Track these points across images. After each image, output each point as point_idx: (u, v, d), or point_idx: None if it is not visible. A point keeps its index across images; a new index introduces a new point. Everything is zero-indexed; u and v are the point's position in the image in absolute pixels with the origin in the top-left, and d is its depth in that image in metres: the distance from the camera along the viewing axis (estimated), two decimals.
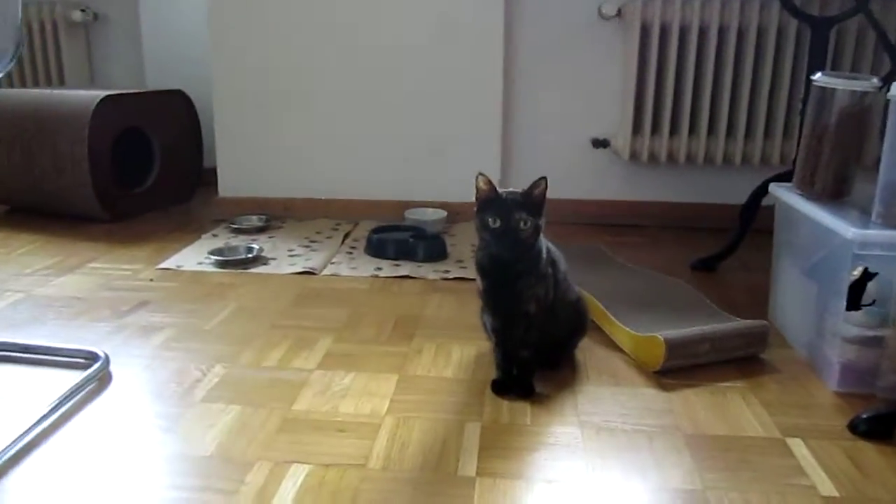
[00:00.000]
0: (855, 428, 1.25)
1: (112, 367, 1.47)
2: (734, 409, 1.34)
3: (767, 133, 2.46)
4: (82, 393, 1.36)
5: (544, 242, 1.37)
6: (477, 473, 1.12)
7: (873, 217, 1.39)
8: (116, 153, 2.61)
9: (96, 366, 1.42)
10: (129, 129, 2.67)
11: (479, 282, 1.38)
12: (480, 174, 1.30)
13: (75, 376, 1.39)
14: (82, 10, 3.12)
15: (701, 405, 1.35)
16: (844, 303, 1.35)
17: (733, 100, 2.45)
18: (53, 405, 1.29)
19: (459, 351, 1.57)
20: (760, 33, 2.38)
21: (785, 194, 1.64)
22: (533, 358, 1.39)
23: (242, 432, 1.24)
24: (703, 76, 2.44)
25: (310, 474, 1.11)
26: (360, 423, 1.27)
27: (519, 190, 1.33)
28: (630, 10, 2.43)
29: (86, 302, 1.84)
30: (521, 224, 1.28)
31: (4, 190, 2.73)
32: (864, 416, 1.25)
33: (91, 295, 1.89)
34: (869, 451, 1.19)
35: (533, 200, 1.31)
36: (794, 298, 1.65)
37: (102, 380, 1.42)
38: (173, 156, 2.86)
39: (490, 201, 1.30)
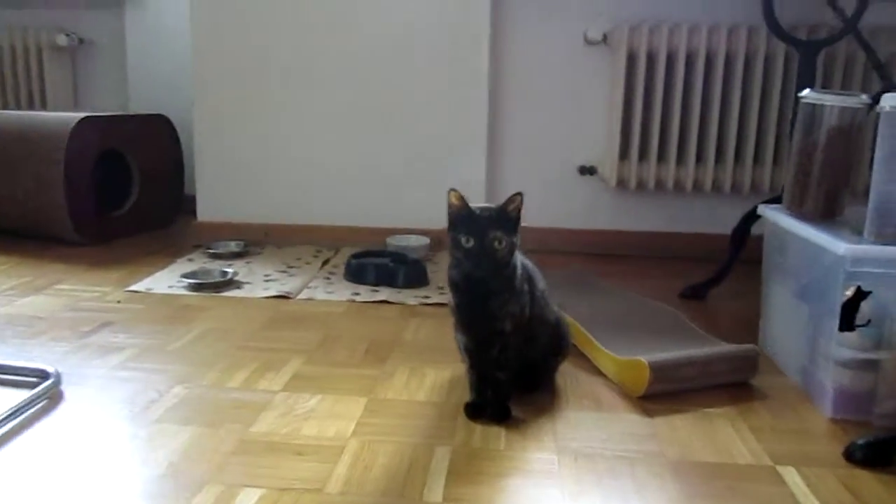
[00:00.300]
0: (851, 455, 1.17)
1: (65, 387, 1.39)
2: (722, 435, 1.26)
3: (757, 160, 2.42)
4: (30, 411, 1.29)
5: (519, 258, 1.31)
6: (444, 499, 1.04)
7: (865, 234, 1.33)
8: (96, 176, 2.55)
9: (46, 384, 1.34)
10: (108, 152, 2.61)
11: (451, 298, 1.31)
12: (452, 189, 1.24)
13: (24, 395, 1.30)
14: (67, 35, 3.10)
15: (687, 431, 1.27)
16: (837, 324, 1.28)
17: (722, 126, 2.41)
18: (2, 418, 1.21)
19: (434, 374, 1.49)
20: (748, 59, 2.36)
21: (774, 214, 1.59)
22: (509, 380, 1.31)
23: (195, 454, 1.15)
24: (691, 103, 2.40)
25: (262, 498, 1.03)
26: (321, 446, 1.19)
27: (493, 205, 1.26)
28: (616, 37, 2.40)
29: (47, 322, 1.76)
30: (496, 243, 1.22)
31: None
32: (861, 442, 1.17)
33: (53, 315, 1.81)
34: (866, 479, 1.11)
35: (508, 217, 1.24)
36: (785, 323, 1.58)
37: (53, 398, 1.34)
38: (154, 180, 2.80)
39: (463, 218, 1.24)
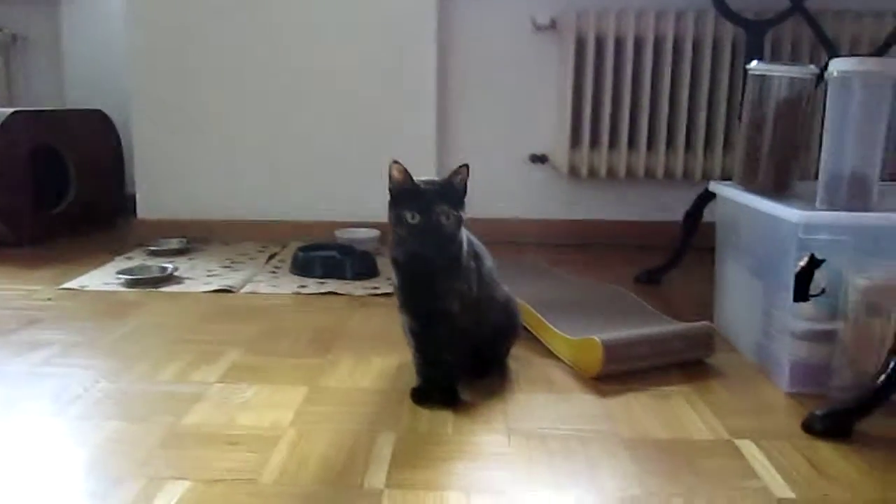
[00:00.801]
0: (810, 427, 1.13)
1: None
2: (678, 412, 1.21)
3: (708, 146, 2.41)
4: None
5: (465, 234, 1.25)
6: (386, 485, 0.97)
7: (818, 203, 1.30)
8: (30, 174, 2.43)
9: None
10: (42, 149, 2.49)
11: (394, 278, 1.25)
12: (394, 161, 1.17)
13: None
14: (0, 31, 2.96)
15: (642, 409, 1.22)
16: (791, 295, 1.25)
17: (672, 112, 2.39)
18: None
19: (381, 362, 1.42)
20: (696, 44, 2.34)
21: (726, 190, 1.56)
22: (457, 363, 1.25)
23: (118, 448, 1.07)
24: (642, 88, 2.38)
25: (189, 490, 0.95)
26: (256, 435, 1.11)
27: (437, 179, 1.21)
28: (564, 22, 2.37)
29: None
30: (444, 218, 1.16)
31: None
32: (820, 413, 1.13)
33: None
34: (826, 449, 1.08)
35: (454, 190, 1.19)
36: (739, 301, 1.54)
37: None
38: (92, 178, 2.68)
39: (407, 193, 1.17)
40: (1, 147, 2.31)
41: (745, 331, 1.48)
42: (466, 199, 1.20)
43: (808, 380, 1.27)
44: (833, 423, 1.12)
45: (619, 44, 2.36)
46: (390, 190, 1.19)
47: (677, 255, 2.02)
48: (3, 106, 2.91)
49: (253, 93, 2.51)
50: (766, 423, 1.18)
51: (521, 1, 2.45)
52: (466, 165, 1.19)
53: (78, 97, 2.95)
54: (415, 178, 1.18)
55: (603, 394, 1.28)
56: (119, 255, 2.29)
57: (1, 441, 1.09)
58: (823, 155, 1.31)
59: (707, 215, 1.94)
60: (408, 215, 1.16)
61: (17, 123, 2.37)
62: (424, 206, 1.15)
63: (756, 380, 1.36)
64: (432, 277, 1.20)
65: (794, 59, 2.27)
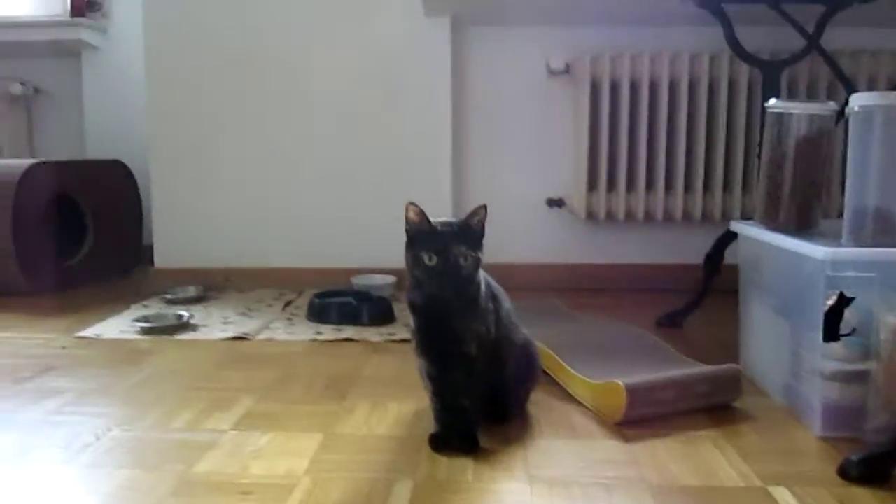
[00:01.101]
0: (846, 472, 1.08)
1: None
2: (707, 458, 1.17)
3: (726, 187, 2.38)
4: None
5: (483, 276, 1.22)
6: None
7: (843, 240, 1.27)
8: (49, 224, 2.44)
9: None
10: (61, 199, 2.51)
11: (411, 321, 1.22)
12: (411, 203, 1.16)
13: None
14: (22, 84, 3.02)
15: (669, 455, 1.18)
16: (821, 335, 1.21)
17: (689, 154, 2.37)
18: None
19: (397, 408, 1.39)
20: (712, 86, 2.34)
21: (748, 229, 1.53)
22: (476, 407, 1.21)
23: (128, 496, 1.04)
24: (658, 131, 2.36)
25: None
26: (270, 484, 1.08)
27: (454, 219, 1.19)
28: (579, 66, 2.38)
29: None
30: (461, 260, 1.14)
31: None
32: (856, 458, 1.08)
33: None
34: (863, 496, 1.03)
35: (472, 231, 1.17)
36: (765, 342, 1.50)
37: None
38: (110, 227, 2.70)
39: (424, 234, 1.16)
40: (21, 197, 2.33)
41: (773, 372, 1.43)
42: (483, 241, 1.18)
43: (842, 422, 1.22)
44: (870, 468, 1.07)
45: (634, 87, 2.36)
46: (407, 231, 1.18)
47: (699, 298, 1.98)
48: (26, 157, 2.97)
49: (268, 141, 2.53)
50: (800, 468, 1.13)
51: (534, 45, 2.47)
52: (485, 206, 1.18)
53: (98, 148, 3.00)
54: (431, 219, 1.17)
55: (627, 439, 1.24)
56: (136, 303, 2.29)
57: (12, 490, 1.07)
58: (847, 191, 1.29)
59: (728, 257, 1.91)
60: (425, 257, 1.14)
61: (38, 174, 2.40)
62: (442, 247, 1.14)
63: (786, 423, 1.31)
64: (450, 320, 1.18)
65: (812, 99, 2.25)
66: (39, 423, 1.32)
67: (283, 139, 2.52)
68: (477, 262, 1.17)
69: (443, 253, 1.13)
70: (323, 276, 2.47)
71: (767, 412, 1.36)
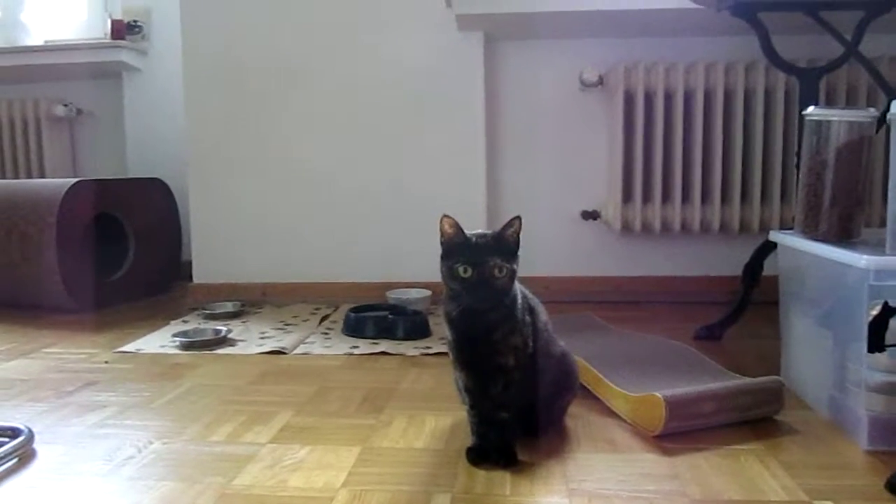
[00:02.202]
0: (894, 487, 1.05)
1: (38, 445, 1.29)
2: (750, 472, 1.14)
3: (764, 197, 2.35)
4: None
5: (519, 288, 1.22)
6: None
7: (888, 249, 1.24)
8: (90, 242, 2.50)
9: (15, 442, 1.25)
10: (103, 217, 2.57)
11: (447, 333, 1.22)
12: (445, 216, 1.17)
13: None
14: (65, 106, 3.11)
15: (711, 469, 1.16)
16: (865, 346, 1.18)
17: (726, 164, 2.35)
18: None
19: (434, 421, 1.39)
20: (748, 95, 2.31)
21: (789, 239, 1.50)
22: (513, 420, 1.21)
23: None
24: (693, 141, 2.35)
25: None
26: (308, 497, 1.08)
27: (489, 231, 1.19)
28: (612, 78, 2.37)
29: (29, 383, 1.67)
30: (496, 272, 1.14)
31: None
32: None
33: (36, 377, 1.72)
34: None
35: (507, 243, 1.17)
36: (808, 354, 1.47)
37: (25, 457, 1.25)
38: (150, 244, 2.75)
39: (458, 246, 1.16)
40: (64, 215, 2.39)
41: (817, 385, 1.40)
42: (519, 253, 1.18)
43: (889, 435, 1.19)
44: None
45: (668, 98, 2.35)
46: (442, 244, 1.18)
47: (738, 310, 1.95)
48: (69, 177, 3.04)
49: (303, 158, 2.56)
50: (846, 482, 1.10)
51: (567, 58, 2.47)
52: (519, 217, 1.17)
53: (139, 167, 3.06)
54: (467, 231, 1.17)
55: (668, 452, 1.22)
56: (174, 319, 2.33)
57: (56, 501, 1.09)
58: (890, 199, 1.26)
59: (767, 268, 1.88)
60: (460, 269, 1.14)
61: (80, 192, 2.46)
62: (477, 259, 1.14)
63: (831, 436, 1.28)
64: (486, 331, 1.17)
65: (851, 106, 2.22)
66: (82, 437, 1.34)
67: (319, 155, 2.55)
68: (512, 274, 1.17)
69: (477, 264, 1.13)
70: (358, 291, 2.49)
71: (811, 425, 1.33)
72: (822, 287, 1.41)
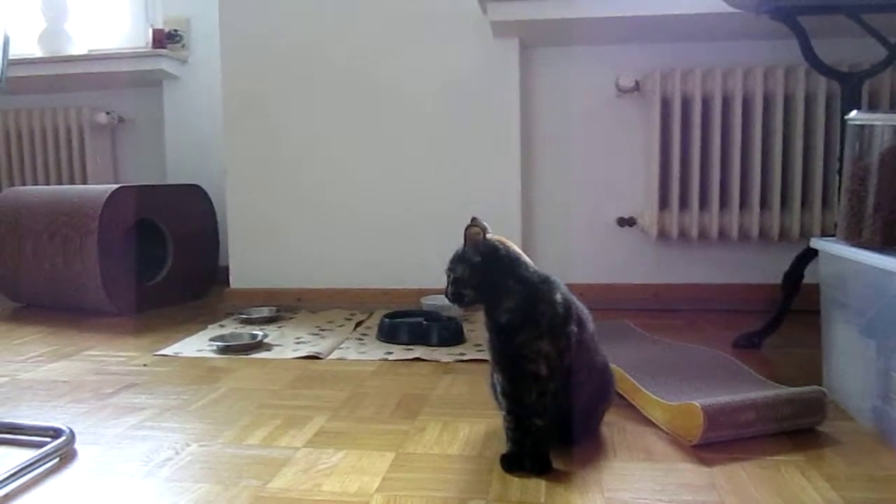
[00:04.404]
0: None
1: (79, 446, 1.32)
2: (792, 484, 1.12)
3: (805, 204, 2.31)
4: (41, 469, 1.22)
5: (566, 297, 1.20)
6: None
7: None
8: (131, 247, 2.55)
9: (57, 442, 1.27)
10: (143, 222, 2.62)
11: (486, 335, 1.23)
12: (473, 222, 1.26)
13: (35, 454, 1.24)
14: (108, 114, 3.17)
15: (750, 480, 1.13)
16: None
17: (765, 170, 2.31)
18: (4, 477, 1.14)
19: (468, 428, 1.38)
20: (788, 100, 2.28)
21: (830, 246, 1.47)
22: (548, 427, 1.20)
23: None
24: (731, 147, 2.31)
25: None
26: (342, 501, 1.08)
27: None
28: (649, 84, 2.35)
29: (70, 385, 1.71)
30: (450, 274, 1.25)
31: (19, 285, 2.67)
32: None
33: (77, 379, 1.76)
34: None
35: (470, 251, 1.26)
36: (850, 363, 1.44)
37: (65, 457, 1.27)
38: (189, 250, 2.79)
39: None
40: (105, 221, 2.44)
41: (860, 395, 1.37)
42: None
43: None
44: None
45: (706, 103, 2.32)
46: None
47: (778, 318, 1.92)
48: (110, 183, 3.10)
49: (339, 165, 2.58)
50: (891, 495, 1.08)
51: (603, 64, 2.45)
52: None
53: (178, 173, 3.11)
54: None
55: (706, 462, 1.20)
56: (212, 323, 2.36)
57: (93, 501, 1.10)
58: None
59: (808, 276, 1.85)
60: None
61: (121, 198, 2.51)
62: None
63: (875, 448, 1.25)
64: (507, 333, 1.17)
65: (895, 111, 2.17)
66: (121, 438, 1.36)
67: (355, 162, 2.57)
68: (456, 282, 1.26)
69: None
70: (392, 297, 2.50)
71: (854, 436, 1.30)
72: (864, 295, 1.37)
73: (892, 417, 1.24)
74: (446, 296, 1.28)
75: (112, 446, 1.32)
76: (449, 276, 1.26)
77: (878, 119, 1.39)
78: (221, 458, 1.26)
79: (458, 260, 1.25)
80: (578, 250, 2.46)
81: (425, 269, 2.51)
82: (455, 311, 2.28)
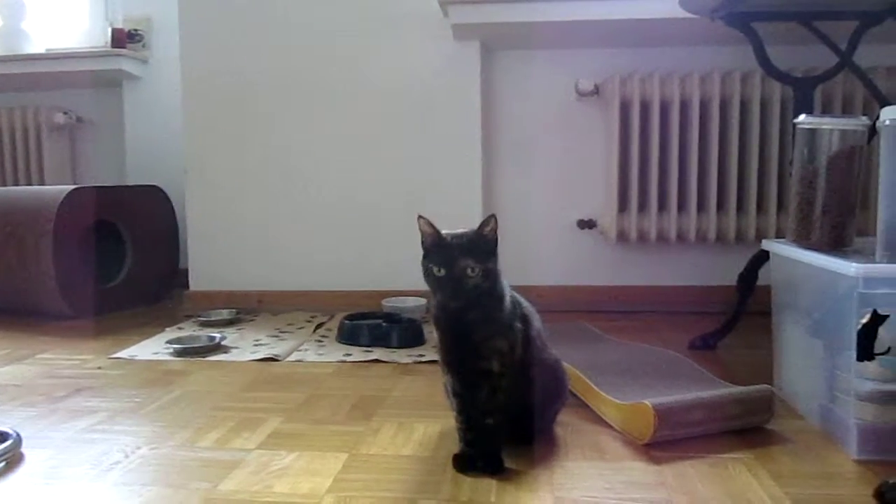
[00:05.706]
0: (882, 496, 1.04)
1: (27, 449, 1.29)
2: (739, 481, 1.14)
3: (760, 207, 2.35)
4: None
5: (509, 292, 1.22)
6: None
7: (877, 257, 1.24)
8: (88, 249, 2.50)
9: (3, 445, 1.25)
10: (101, 224, 2.58)
11: (436, 335, 1.22)
12: (420, 216, 1.17)
13: None
14: (65, 114, 3.12)
15: (699, 478, 1.15)
16: (854, 354, 1.18)
17: (722, 174, 2.35)
18: None
19: (423, 429, 1.38)
20: (744, 105, 2.32)
21: (780, 248, 1.50)
22: (500, 427, 1.20)
23: None
24: (689, 151, 2.35)
25: None
26: (293, 503, 1.08)
27: (467, 231, 1.18)
28: (608, 88, 2.38)
29: (21, 389, 1.68)
30: (468, 271, 1.13)
31: None
32: (893, 482, 1.05)
33: (29, 382, 1.72)
34: None
35: (483, 242, 1.16)
36: (799, 363, 1.47)
37: (12, 461, 1.25)
38: (148, 251, 2.75)
39: (434, 246, 1.16)
40: (61, 222, 2.39)
41: (808, 394, 1.40)
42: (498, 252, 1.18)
43: (878, 445, 1.18)
44: None
45: (664, 107, 2.35)
46: (422, 244, 1.18)
47: (733, 320, 1.95)
48: (68, 184, 3.05)
49: (299, 167, 2.57)
50: (835, 492, 1.10)
51: (563, 67, 2.48)
52: (494, 216, 1.17)
53: (138, 174, 3.07)
54: (444, 231, 1.17)
55: (656, 461, 1.22)
56: (170, 326, 2.33)
57: None
58: (880, 206, 1.26)
59: (762, 278, 1.88)
60: (434, 269, 1.14)
61: (78, 199, 2.47)
62: (450, 259, 1.14)
63: (821, 446, 1.27)
64: (466, 333, 1.17)
65: (844, 115, 2.22)
66: (71, 442, 1.34)
67: (315, 164, 2.56)
68: (487, 273, 1.16)
69: (450, 264, 1.13)
70: (354, 299, 2.50)
71: (802, 434, 1.32)
72: (813, 296, 1.40)
73: (837, 416, 1.27)
74: (458, 297, 1.17)
75: (61, 450, 1.30)
76: (467, 270, 1.15)
77: (826, 123, 1.42)
78: (172, 460, 1.25)
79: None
80: (539, 252, 2.47)
81: (387, 272, 2.51)
82: (416, 313, 2.30)
